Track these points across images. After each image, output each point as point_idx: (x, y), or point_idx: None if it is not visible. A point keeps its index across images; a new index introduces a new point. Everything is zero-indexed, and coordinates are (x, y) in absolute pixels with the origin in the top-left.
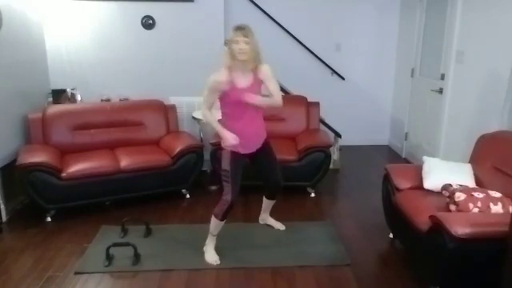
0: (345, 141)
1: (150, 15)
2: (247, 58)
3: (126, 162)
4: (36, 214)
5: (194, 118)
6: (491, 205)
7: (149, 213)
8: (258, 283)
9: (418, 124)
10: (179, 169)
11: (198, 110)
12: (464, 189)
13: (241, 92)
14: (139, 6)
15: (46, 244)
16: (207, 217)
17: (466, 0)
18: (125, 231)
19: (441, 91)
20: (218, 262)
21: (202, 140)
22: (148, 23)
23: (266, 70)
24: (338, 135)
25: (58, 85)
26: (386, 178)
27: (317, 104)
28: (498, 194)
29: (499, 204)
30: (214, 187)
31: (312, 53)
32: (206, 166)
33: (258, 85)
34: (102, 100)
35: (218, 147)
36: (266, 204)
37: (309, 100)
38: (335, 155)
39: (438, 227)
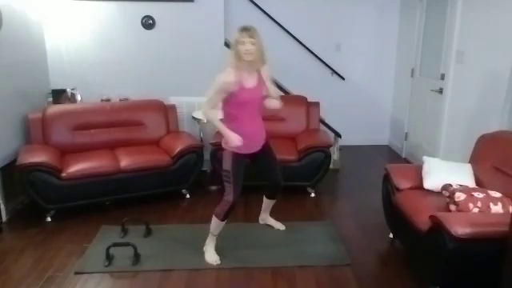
0: (345, 141)
1: (150, 15)
2: (253, 59)
3: (125, 162)
4: (36, 213)
5: (194, 117)
6: (491, 205)
7: (149, 213)
8: (258, 283)
9: (418, 124)
10: (179, 169)
11: (198, 110)
12: (464, 189)
13: (249, 92)
14: (139, 6)
15: (45, 244)
16: (207, 217)
17: (465, 0)
18: (125, 231)
19: (441, 91)
20: (219, 262)
21: (202, 140)
22: (148, 23)
23: (267, 71)
24: (338, 135)
25: (58, 85)
26: (386, 178)
27: (317, 104)
28: (498, 194)
29: (499, 204)
30: (214, 187)
31: (312, 53)
32: (206, 166)
33: (262, 85)
34: (102, 100)
35: (218, 147)
36: (266, 204)
37: (309, 100)
38: (335, 155)
39: (437, 227)
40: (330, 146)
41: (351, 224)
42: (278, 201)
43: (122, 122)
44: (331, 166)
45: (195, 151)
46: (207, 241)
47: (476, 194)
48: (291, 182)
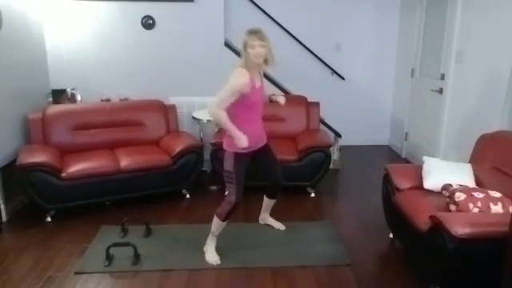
0: (345, 141)
1: (150, 15)
2: (263, 61)
3: (126, 162)
4: (36, 214)
5: (194, 118)
6: (491, 205)
7: (149, 213)
8: (258, 283)
9: (418, 124)
10: (179, 169)
11: (198, 110)
12: (464, 189)
13: (257, 93)
14: (139, 6)
15: (46, 244)
16: (207, 217)
17: (466, 0)
18: (125, 231)
19: (441, 91)
20: (219, 262)
21: (201, 140)
22: (148, 23)
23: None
24: (338, 135)
25: (58, 85)
26: (386, 178)
27: (317, 104)
28: (498, 194)
29: (499, 204)
30: (214, 187)
31: (312, 53)
32: (206, 166)
33: (263, 83)
34: (102, 100)
35: (218, 147)
36: (267, 203)
37: (309, 100)
38: (335, 155)
39: (437, 227)
40: (330, 145)
41: (351, 224)
42: (278, 201)
43: (122, 121)
44: (331, 166)
45: (195, 151)
46: (208, 241)
47: (476, 194)
48: (291, 182)
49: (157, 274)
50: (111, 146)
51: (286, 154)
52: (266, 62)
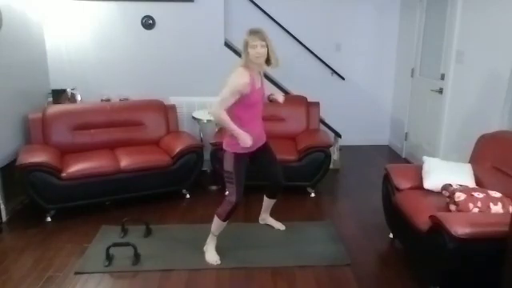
0: (345, 141)
1: (150, 15)
2: (263, 61)
3: (125, 162)
4: (36, 214)
5: (194, 118)
6: (491, 205)
7: (149, 213)
8: (258, 283)
9: (418, 124)
10: (179, 169)
11: (198, 110)
12: (464, 189)
13: (258, 93)
14: (139, 6)
15: (46, 244)
16: (207, 217)
17: (465, 0)
18: (125, 231)
19: (441, 91)
20: (219, 262)
21: (202, 140)
22: (148, 23)
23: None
24: (338, 135)
25: (58, 85)
26: (386, 178)
27: (317, 104)
28: (498, 194)
29: (499, 204)
30: (214, 187)
31: (312, 53)
32: (206, 166)
33: (263, 83)
34: (102, 100)
35: (218, 147)
36: (267, 203)
37: (309, 100)
38: (335, 155)
39: (437, 227)
40: (330, 145)
41: (351, 224)
42: (278, 201)
43: (122, 121)
44: (331, 166)
45: (195, 151)
46: (208, 241)
47: (476, 194)
48: (291, 182)
49: (157, 274)
50: (111, 146)
51: (286, 154)
52: (266, 62)
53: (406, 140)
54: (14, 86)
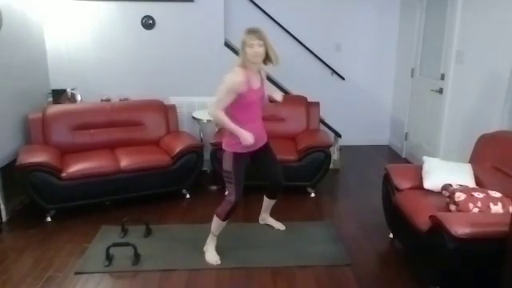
0: (345, 141)
1: (150, 15)
2: (261, 61)
3: (125, 161)
4: (36, 214)
5: (194, 118)
6: (491, 205)
7: (149, 213)
8: (258, 283)
9: (418, 124)
10: (179, 169)
11: (198, 110)
12: (464, 189)
13: (255, 93)
14: (139, 6)
15: (46, 244)
16: (207, 217)
17: (465, 0)
18: (125, 231)
19: (441, 91)
20: (219, 262)
21: (201, 140)
22: (148, 23)
23: (265, 70)
24: (338, 135)
25: (58, 85)
26: (386, 178)
27: (317, 104)
28: (498, 194)
29: (499, 204)
30: (214, 187)
31: (312, 53)
32: (206, 166)
33: (264, 84)
34: (101, 100)
35: (218, 147)
36: (267, 203)
37: (309, 100)
38: (335, 155)
39: (438, 227)
40: (330, 145)
41: (351, 224)
42: (278, 201)
43: (122, 121)
44: (331, 166)
45: (195, 151)
46: (208, 241)
47: (476, 194)
48: (291, 182)
49: (157, 274)
50: (111, 146)
51: (286, 154)
52: (265, 61)
53: (406, 140)
54: (13, 86)
